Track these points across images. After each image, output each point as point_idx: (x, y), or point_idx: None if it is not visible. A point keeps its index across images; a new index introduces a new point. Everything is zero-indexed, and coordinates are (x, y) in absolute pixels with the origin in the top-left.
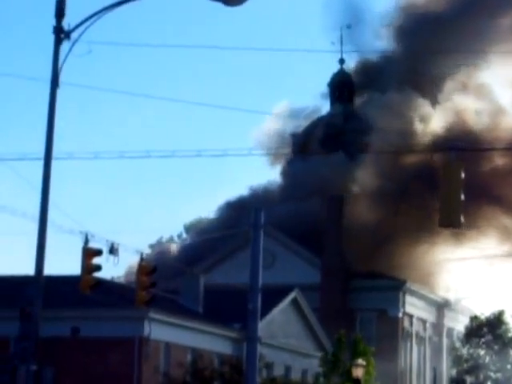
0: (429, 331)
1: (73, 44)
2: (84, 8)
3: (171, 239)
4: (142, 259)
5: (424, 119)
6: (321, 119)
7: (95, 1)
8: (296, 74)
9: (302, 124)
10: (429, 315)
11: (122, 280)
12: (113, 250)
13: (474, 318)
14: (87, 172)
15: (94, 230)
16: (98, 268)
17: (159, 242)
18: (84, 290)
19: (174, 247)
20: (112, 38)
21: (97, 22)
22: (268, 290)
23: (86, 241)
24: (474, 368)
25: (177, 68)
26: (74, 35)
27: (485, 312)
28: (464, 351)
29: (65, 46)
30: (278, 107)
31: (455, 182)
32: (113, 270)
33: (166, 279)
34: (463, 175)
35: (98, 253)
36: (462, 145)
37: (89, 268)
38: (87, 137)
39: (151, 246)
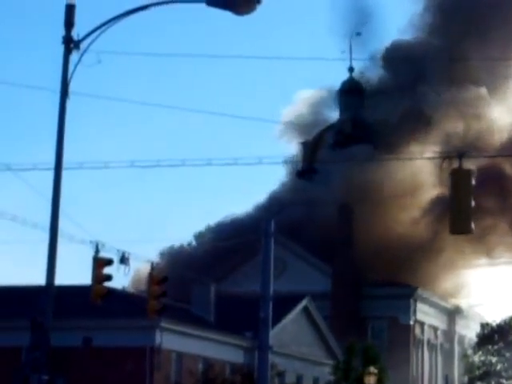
0: (440, 338)
1: (82, 54)
2: (93, 18)
3: (182, 248)
4: (152, 268)
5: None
6: (330, 127)
7: (104, 11)
8: (306, 81)
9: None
10: (440, 322)
11: (130, 287)
12: (123, 260)
13: (485, 325)
14: (98, 181)
15: (105, 239)
16: (109, 278)
17: (170, 251)
18: (95, 300)
19: (185, 256)
20: (121, 48)
21: (106, 32)
22: (279, 298)
23: (97, 250)
24: (486, 375)
25: (186, 77)
26: (83, 45)
27: (496, 319)
28: (476, 358)
29: (74, 55)
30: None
31: (465, 188)
32: (124, 279)
33: (176, 288)
34: (473, 181)
35: (109, 262)
36: (472, 151)
37: (100, 278)
38: (97, 146)
39: (161, 255)
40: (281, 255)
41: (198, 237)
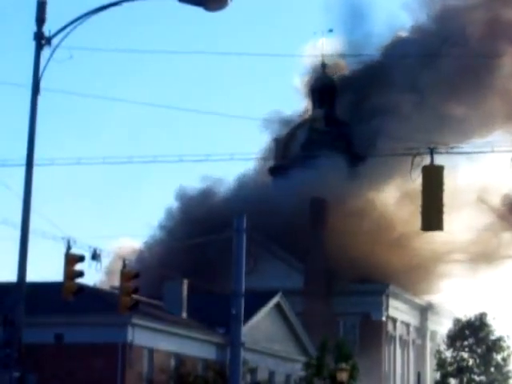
0: (412, 335)
1: (54, 50)
2: (65, 14)
3: (155, 244)
4: (124, 265)
5: None
6: (302, 124)
7: (76, 7)
8: (283, 79)
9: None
10: (412, 319)
11: (107, 283)
12: (95, 256)
13: (456, 321)
14: (69, 178)
15: (77, 235)
16: (81, 274)
17: (142, 247)
18: (67, 297)
19: (157, 251)
20: (93, 44)
21: (78, 28)
22: (251, 294)
23: (69, 247)
24: (458, 371)
25: (157, 73)
26: (54, 41)
27: (467, 315)
28: (448, 354)
29: (46, 51)
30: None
31: (436, 185)
32: (96, 275)
33: (149, 284)
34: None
35: (81, 259)
36: (443, 147)
37: (71, 274)
38: (69, 143)
39: (134, 252)
40: (253, 251)
41: (170, 232)
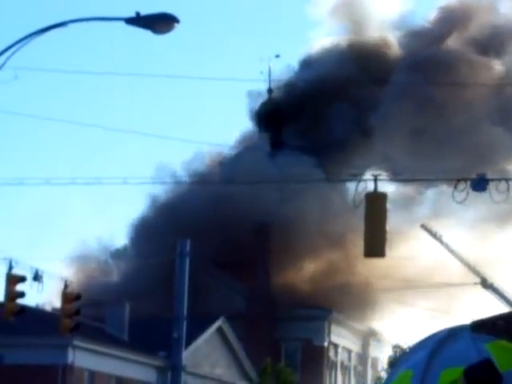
0: (354, 361)
1: None
2: (10, 34)
3: (97, 266)
4: (66, 286)
5: None
6: (248, 148)
7: (22, 27)
8: (225, 104)
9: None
10: (354, 345)
11: (52, 304)
12: (37, 277)
13: (396, 347)
14: (12, 198)
15: (19, 256)
16: (22, 295)
17: (84, 269)
18: (8, 317)
19: (100, 274)
20: (39, 64)
21: (24, 48)
22: (193, 318)
23: (10, 267)
24: None
25: (104, 94)
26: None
27: (408, 342)
28: None
29: None
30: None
31: (380, 213)
32: (38, 296)
33: (91, 306)
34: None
35: (22, 279)
36: (386, 174)
37: (12, 295)
38: (12, 163)
39: (76, 273)
40: (195, 275)
41: (115, 254)
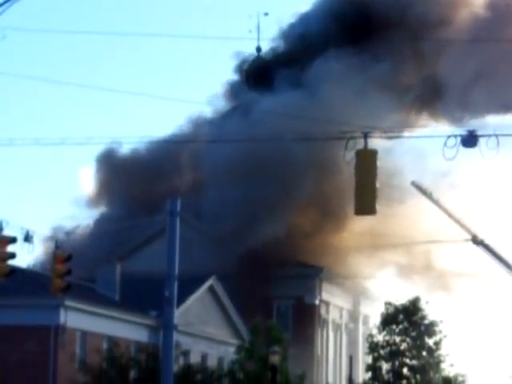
0: (345, 318)
1: None
2: None
3: (88, 226)
4: (57, 247)
5: None
6: (237, 107)
7: None
8: (214, 62)
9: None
10: (345, 303)
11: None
12: (28, 238)
13: (388, 305)
14: (1, 159)
15: (9, 217)
16: (13, 256)
17: (75, 229)
18: None
19: (91, 234)
20: (26, 25)
21: (11, 8)
22: (185, 277)
23: (1, 228)
24: (390, 355)
25: (92, 54)
26: None
27: (400, 299)
28: (380, 338)
29: None
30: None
31: (370, 170)
32: (29, 257)
33: (82, 267)
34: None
35: (13, 240)
36: (376, 131)
37: (3, 256)
38: (1, 123)
39: (67, 234)
40: (186, 234)
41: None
